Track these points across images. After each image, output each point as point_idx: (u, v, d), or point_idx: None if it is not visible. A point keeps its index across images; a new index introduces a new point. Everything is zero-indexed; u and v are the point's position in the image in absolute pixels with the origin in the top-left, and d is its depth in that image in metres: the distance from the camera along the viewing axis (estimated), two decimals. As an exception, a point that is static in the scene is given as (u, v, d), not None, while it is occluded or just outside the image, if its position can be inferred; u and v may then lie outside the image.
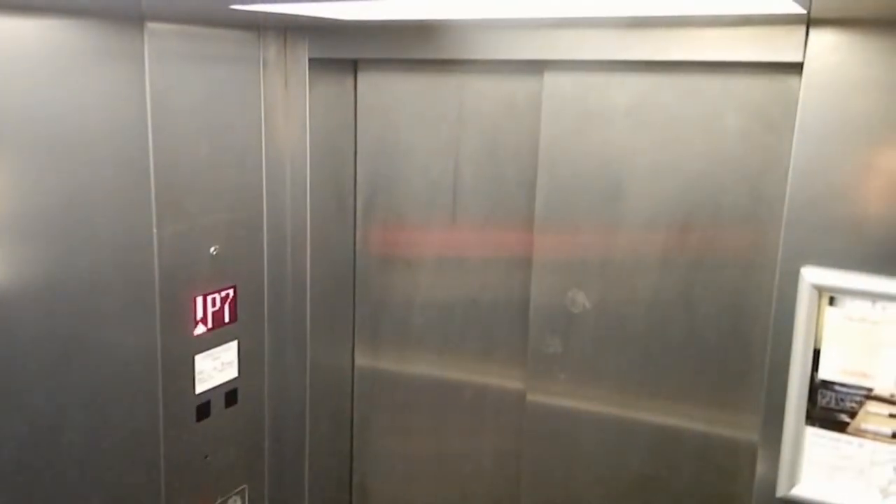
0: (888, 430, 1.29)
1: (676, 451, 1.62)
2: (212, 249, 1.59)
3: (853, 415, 1.31)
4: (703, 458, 1.60)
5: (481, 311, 1.79)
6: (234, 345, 1.68)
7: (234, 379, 1.69)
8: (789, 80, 1.38)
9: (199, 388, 1.61)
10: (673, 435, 1.62)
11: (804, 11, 1.19)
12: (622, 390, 1.64)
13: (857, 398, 1.30)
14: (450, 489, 1.90)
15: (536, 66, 1.60)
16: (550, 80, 1.60)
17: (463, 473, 1.88)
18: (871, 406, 1.30)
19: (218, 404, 1.66)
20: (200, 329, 1.59)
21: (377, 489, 1.99)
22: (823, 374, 1.32)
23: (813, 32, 1.25)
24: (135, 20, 1.37)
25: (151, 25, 1.39)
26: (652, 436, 1.64)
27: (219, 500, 1.70)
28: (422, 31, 1.58)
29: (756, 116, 1.45)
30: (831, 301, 1.30)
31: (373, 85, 1.80)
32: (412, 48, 1.61)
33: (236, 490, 1.75)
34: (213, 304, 1.61)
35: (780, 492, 1.38)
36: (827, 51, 1.25)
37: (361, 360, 1.95)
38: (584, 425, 1.69)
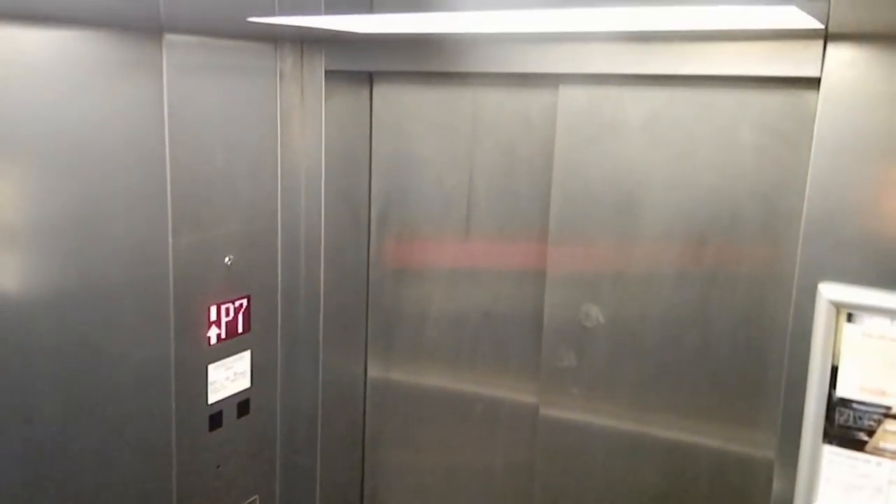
0: (907, 450, 1.28)
1: (691, 467, 1.61)
2: (226, 259, 1.60)
3: (871, 433, 1.29)
4: (719, 474, 1.59)
5: (495, 324, 1.79)
6: (247, 355, 1.68)
7: (247, 389, 1.70)
8: (806, 95, 1.38)
9: (212, 398, 1.61)
10: (688, 451, 1.61)
11: (822, 26, 1.19)
12: (636, 405, 1.63)
13: (876, 416, 1.29)
14: (461, 503, 1.89)
15: (551, 80, 1.60)
16: (565, 93, 1.60)
17: (475, 487, 1.87)
18: (890, 425, 1.28)
19: (230, 414, 1.66)
20: (214, 339, 1.59)
21: (388, 501, 1.98)
22: (841, 391, 1.30)
23: (830, 47, 1.25)
24: (153, 32, 1.39)
25: (170, 37, 1.41)
26: (666, 452, 1.62)
27: (230, 511, 1.70)
28: (437, 44, 1.59)
29: (772, 131, 1.44)
30: (849, 318, 1.28)
31: (388, 97, 1.81)
32: (427, 61, 1.61)
33: (248, 500, 1.74)
34: (227, 314, 1.62)
35: (797, 510, 1.36)
36: (844, 66, 1.24)
37: (374, 372, 1.95)
38: (598, 440, 1.68)
